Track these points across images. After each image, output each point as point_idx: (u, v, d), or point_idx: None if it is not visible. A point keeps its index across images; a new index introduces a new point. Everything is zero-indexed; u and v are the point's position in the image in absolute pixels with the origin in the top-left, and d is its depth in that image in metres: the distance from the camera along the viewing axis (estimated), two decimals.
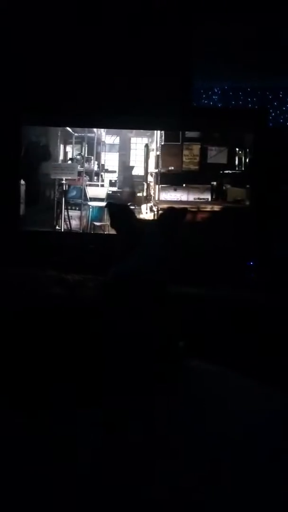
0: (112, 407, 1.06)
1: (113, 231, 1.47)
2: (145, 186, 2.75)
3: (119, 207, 1.50)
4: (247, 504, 0.82)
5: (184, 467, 0.90)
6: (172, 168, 2.64)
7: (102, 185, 2.81)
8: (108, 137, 2.77)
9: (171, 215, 1.45)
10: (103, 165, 2.78)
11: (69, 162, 2.75)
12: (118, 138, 2.77)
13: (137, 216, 1.49)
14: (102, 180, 2.80)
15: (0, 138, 2.66)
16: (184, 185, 2.63)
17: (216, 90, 3.38)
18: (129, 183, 2.72)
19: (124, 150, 2.78)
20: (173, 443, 0.97)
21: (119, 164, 2.80)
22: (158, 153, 2.70)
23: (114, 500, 0.82)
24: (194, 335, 1.44)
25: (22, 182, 2.72)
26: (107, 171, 2.79)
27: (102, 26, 2.73)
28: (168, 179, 2.65)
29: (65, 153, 2.78)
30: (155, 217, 1.49)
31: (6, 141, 2.65)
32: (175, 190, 2.61)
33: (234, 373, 1.31)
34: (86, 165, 2.74)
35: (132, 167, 2.74)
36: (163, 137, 2.67)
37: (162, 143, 2.66)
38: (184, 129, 2.64)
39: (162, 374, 1.20)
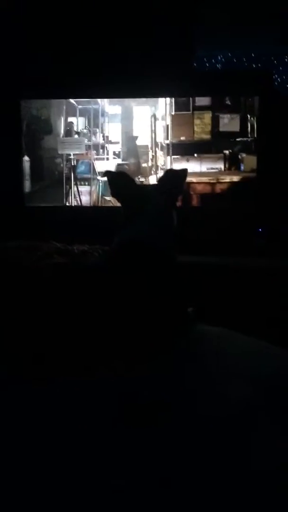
0: (123, 372, 1.06)
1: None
2: (152, 157, 2.71)
3: (117, 175, 1.48)
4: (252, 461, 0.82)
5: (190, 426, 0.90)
6: (183, 138, 2.60)
7: (107, 158, 2.78)
8: (110, 107, 2.73)
9: (172, 177, 1.44)
10: (107, 136, 2.74)
11: (76, 136, 2.72)
12: (119, 108, 2.73)
13: (137, 182, 1.47)
14: (108, 153, 2.77)
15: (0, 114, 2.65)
16: (195, 155, 2.60)
17: (219, 58, 3.31)
18: (134, 154, 2.68)
19: (126, 120, 2.73)
20: (181, 403, 0.97)
21: (122, 135, 2.76)
22: (166, 123, 2.66)
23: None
24: (204, 302, 1.43)
25: (27, 158, 2.70)
26: (110, 142, 2.75)
27: None
28: (179, 150, 2.62)
29: (70, 125, 2.74)
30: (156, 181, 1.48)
31: (6, 117, 2.64)
32: (187, 161, 2.60)
33: (245, 336, 1.31)
34: (93, 138, 2.71)
35: (136, 137, 2.70)
36: (172, 106, 2.62)
37: (173, 113, 2.61)
38: (187, 95, 2.59)
39: (171, 338, 1.20)
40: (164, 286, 1.24)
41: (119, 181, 1.43)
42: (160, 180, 1.44)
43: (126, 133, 2.73)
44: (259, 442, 0.86)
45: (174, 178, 1.43)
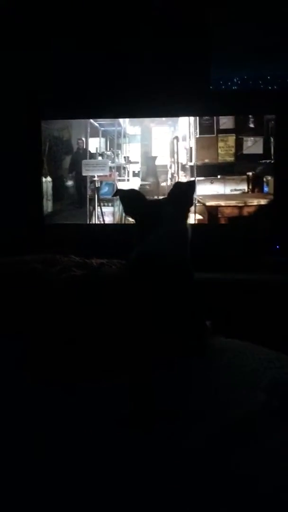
0: (140, 380, 1.07)
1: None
2: (171, 177, 2.74)
3: (128, 192, 1.51)
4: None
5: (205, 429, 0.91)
6: (207, 160, 2.64)
7: (128, 180, 2.81)
8: (129, 127, 2.77)
9: (181, 189, 1.47)
10: (127, 157, 2.77)
11: (99, 158, 2.76)
12: (139, 128, 2.76)
13: (148, 197, 1.50)
14: (128, 174, 2.80)
15: (20, 134, 2.72)
16: (219, 176, 2.63)
17: (235, 80, 3.35)
18: (153, 173, 2.72)
19: (146, 140, 2.77)
20: (196, 406, 0.98)
21: (141, 155, 2.79)
22: (189, 145, 2.69)
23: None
24: (222, 316, 1.45)
25: (49, 179, 2.75)
26: (130, 162, 2.79)
27: (119, 16, 2.77)
28: (202, 171, 2.65)
29: (79, 144, 2.78)
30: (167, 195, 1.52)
31: (27, 136, 2.71)
32: (211, 182, 2.62)
33: (261, 347, 1.32)
34: (116, 160, 2.76)
35: (155, 157, 2.77)
36: (197, 128, 2.67)
37: (197, 136, 2.65)
38: (204, 114, 2.67)
39: (189, 349, 1.21)
40: (181, 297, 1.26)
41: (130, 198, 1.46)
42: (169, 193, 1.47)
43: (145, 153, 2.76)
44: (273, 446, 0.87)
45: (183, 190, 1.46)
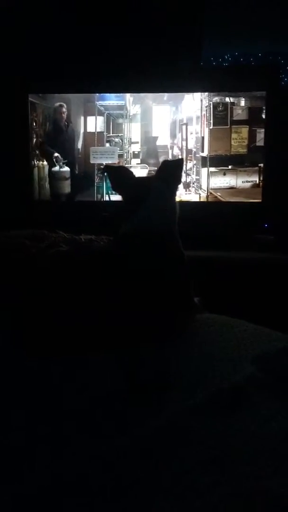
0: (127, 352, 1.09)
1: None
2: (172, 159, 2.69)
3: (116, 169, 1.53)
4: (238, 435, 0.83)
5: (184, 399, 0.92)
6: (220, 152, 2.62)
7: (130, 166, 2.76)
8: (130, 107, 2.71)
9: (169, 168, 1.48)
10: (129, 139, 2.73)
11: (107, 144, 2.69)
12: (139, 107, 2.70)
13: (136, 174, 1.50)
14: (130, 157, 2.74)
15: (7, 109, 2.64)
16: (230, 166, 2.63)
17: (226, 57, 3.33)
18: (154, 154, 2.71)
19: (146, 120, 2.70)
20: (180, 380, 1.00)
21: (141, 135, 2.72)
22: (201, 135, 2.65)
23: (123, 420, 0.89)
24: (210, 293, 1.46)
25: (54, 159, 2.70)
26: (131, 143, 2.74)
27: None
28: (213, 162, 2.63)
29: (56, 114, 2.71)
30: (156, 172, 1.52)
31: (14, 110, 2.64)
32: (224, 174, 2.61)
33: (248, 323, 1.33)
34: (126, 146, 2.71)
35: (156, 138, 2.72)
36: (211, 119, 2.61)
37: (211, 127, 2.61)
38: (193, 90, 2.63)
39: (177, 323, 1.23)
40: (169, 272, 1.27)
41: (119, 174, 1.47)
42: (158, 171, 1.48)
43: (146, 133, 2.72)
44: (259, 418, 0.88)
45: (171, 168, 1.49)
